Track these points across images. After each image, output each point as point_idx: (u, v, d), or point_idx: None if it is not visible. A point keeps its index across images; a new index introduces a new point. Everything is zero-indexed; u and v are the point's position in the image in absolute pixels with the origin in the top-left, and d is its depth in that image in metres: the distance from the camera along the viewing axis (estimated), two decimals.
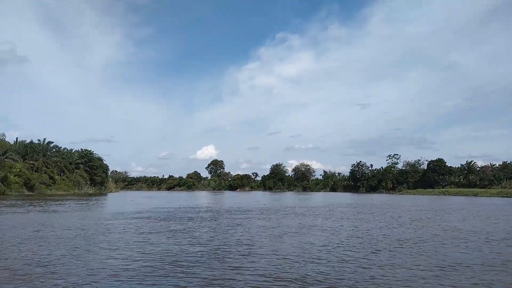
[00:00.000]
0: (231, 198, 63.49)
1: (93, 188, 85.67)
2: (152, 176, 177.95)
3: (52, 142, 79.39)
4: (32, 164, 72.10)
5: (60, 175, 77.88)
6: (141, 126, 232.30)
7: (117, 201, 49.08)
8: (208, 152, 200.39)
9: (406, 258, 11.31)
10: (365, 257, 11.35)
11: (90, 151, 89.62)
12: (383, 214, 28.62)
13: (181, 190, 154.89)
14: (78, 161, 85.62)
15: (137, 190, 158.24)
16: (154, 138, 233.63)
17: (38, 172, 72.57)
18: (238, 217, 24.26)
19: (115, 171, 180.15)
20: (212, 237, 15.57)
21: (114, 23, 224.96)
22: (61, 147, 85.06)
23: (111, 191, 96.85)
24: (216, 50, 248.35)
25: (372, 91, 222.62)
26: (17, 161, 68.07)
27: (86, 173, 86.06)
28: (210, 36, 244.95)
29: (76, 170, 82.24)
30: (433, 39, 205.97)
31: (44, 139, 77.75)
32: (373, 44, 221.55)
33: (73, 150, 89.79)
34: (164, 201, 50.58)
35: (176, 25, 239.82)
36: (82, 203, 38.53)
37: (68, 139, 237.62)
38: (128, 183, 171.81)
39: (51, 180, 72.52)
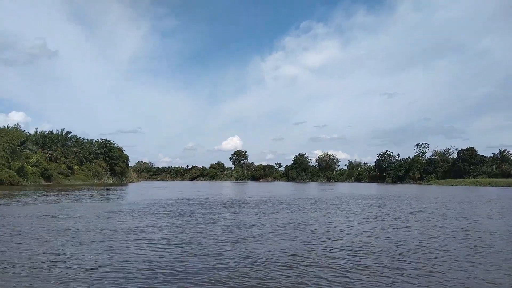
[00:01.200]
0: (250, 189, 60.35)
1: (113, 178, 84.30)
2: (176, 166, 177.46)
3: (70, 132, 78.36)
4: (50, 154, 70.90)
5: (79, 165, 76.60)
6: (167, 117, 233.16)
7: (134, 191, 46.55)
8: (233, 143, 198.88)
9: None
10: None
11: (109, 141, 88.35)
12: (411, 209, 24.72)
13: (204, 180, 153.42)
14: (97, 151, 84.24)
15: (162, 180, 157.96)
16: (180, 129, 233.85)
17: (56, 162, 71.44)
18: (259, 211, 21.05)
19: (141, 161, 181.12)
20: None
21: (140, 16, 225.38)
22: (80, 137, 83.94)
23: (132, 181, 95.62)
24: (240, 41, 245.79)
25: (400, 80, 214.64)
26: (35, 152, 66.87)
27: (106, 163, 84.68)
28: (234, 27, 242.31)
29: (95, 160, 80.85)
30: (464, 26, 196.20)
31: (63, 129, 76.75)
32: (401, 32, 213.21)
33: (93, 141, 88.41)
34: (181, 191, 47.84)
35: (201, 17, 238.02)
36: (93, 194, 36.23)
37: (97, 131, 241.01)
38: (153, 173, 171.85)
39: (69, 170, 71.22)
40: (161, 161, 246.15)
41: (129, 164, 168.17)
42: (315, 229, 14.45)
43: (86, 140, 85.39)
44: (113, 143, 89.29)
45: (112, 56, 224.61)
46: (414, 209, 23.40)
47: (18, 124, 62.12)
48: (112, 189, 50.90)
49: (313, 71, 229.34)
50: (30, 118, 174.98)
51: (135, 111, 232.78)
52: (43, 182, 63.32)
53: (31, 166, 62.87)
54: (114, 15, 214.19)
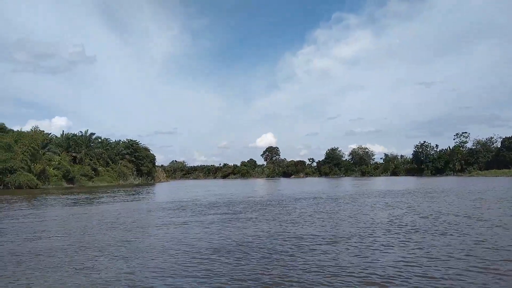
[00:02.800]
0: (277, 185, 55.86)
1: (140, 178, 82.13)
2: (208, 165, 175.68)
3: (94, 134, 76.50)
4: (74, 156, 69.19)
5: (104, 167, 74.69)
6: (202, 116, 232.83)
7: (159, 191, 43.14)
8: (267, 140, 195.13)
9: None
10: None
11: (135, 141, 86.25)
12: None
13: (235, 178, 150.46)
14: (123, 151, 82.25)
15: (194, 179, 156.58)
16: (214, 128, 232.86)
17: (81, 164, 69.67)
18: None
19: (175, 161, 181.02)
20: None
21: (171, 16, 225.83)
22: (106, 138, 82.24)
23: (159, 181, 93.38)
24: (271, 36, 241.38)
25: (437, 68, 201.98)
26: (58, 154, 65.25)
27: (132, 163, 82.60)
28: (264, 23, 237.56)
29: (120, 161, 78.82)
30: (503, 6, 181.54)
31: (87, 130, 74.99)
32: (437, 18, 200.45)
33: (120, 141, 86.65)
34: (207, 189, 44.11)
35: (230, 14, 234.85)
36: (115, 195, 33.09)
37: (135, 132, 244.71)
38: (186, 172, 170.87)
39: (93, 172, 69.19)
40: (197, 160, 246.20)
41: (160, 164, 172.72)
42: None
43: (112, 141, 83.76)
44: (139, 143, 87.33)
45: (146, 58, 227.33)
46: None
47: (36, 127, 60.60)
48: (133, 190, 47.78)
49: (345, 63, 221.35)
50: (72, 122, 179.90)
51: (171, 112, 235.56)
52: (65, 185, 61.46)
53: (53, 169, 61.17)
54: (145, 17, 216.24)
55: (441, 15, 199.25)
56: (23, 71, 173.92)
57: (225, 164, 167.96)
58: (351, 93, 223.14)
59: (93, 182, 68.05)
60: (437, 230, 11.89)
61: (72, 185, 62.39)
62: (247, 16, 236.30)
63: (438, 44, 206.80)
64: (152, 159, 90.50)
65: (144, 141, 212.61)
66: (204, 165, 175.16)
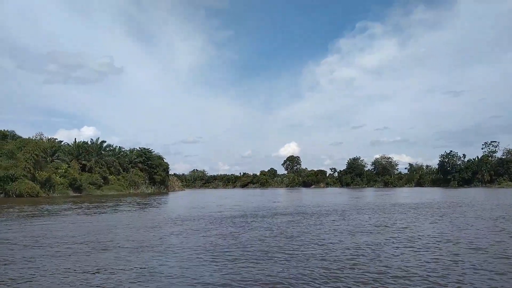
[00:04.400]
0: (291, 198, 52.09)
1: (152, 187, 79.83)
2: (228, 174, 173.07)
3: (105, 142, 74.90)
4: (83, 164, 67.59)
5: (116, 175, 72.84)
6: (226, 126, 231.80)
7: (170, 202, 40.26)
8: (291, 149, 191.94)
9: None
10: None
11: (148, 149, 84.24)
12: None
13: (255, 187, 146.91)
14: (136, 160, 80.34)
15: (214, 188, 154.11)
16: (238, 137, 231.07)
17: (91, 172, 67.97)
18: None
19: (196, 170, 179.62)
20: None
21: (196, 28, 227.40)
22: (118, 146, 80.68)
23: (173, 190, 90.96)
24: (294, 46, 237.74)
25: (465, 76, 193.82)
26: (67, 162, 63.74)
27: (145, 172, 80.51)
28: (288, 33, 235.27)
29: (132, 170, 76.84)
30: None
31: (98, 138, 73.63)
32: (464, 25, 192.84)
33: (134, 150, 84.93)
34: (219, 202, 40.97)
35: (254, 25, 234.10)
36: (116, 204, 30.44)
37: (161, 142, 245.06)
38: (206, 181, 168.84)
39: (102, 181, 67.29)
40: (221, 169, 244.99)
41: (181, 173, 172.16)
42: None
43: (124, 150, 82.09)
44: (152, 151, 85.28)
45: (171, 69, 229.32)
46: None
47: (41, 133, 59.54)
48: (138, 200, 45.14)
49: (370, 72, 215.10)
50: (100, 132, 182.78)
51: (196, 122, 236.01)
52: (72, 193, 59.66)
53: (59, 177, 59.56)
54: (171, 29, 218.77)
55: (468, 22, 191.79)
56: (54, 81, 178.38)
57: (244, 173, 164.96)
58: (376, 102, 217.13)
59: (102, 190, 66.15)
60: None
61: (79, 194, 60.57)
62: (270, 27, 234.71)
63: (465, 52, 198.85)
64: (166, 167, 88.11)
65: (169, 150, 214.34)
66: (223, 174, 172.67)
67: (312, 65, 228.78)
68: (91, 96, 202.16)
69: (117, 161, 74.05)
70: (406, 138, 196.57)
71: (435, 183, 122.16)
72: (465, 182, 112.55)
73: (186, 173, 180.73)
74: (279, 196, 54.99)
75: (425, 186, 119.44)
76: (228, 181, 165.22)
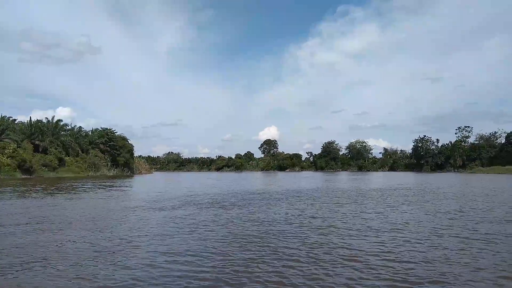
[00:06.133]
0: (254, 183, 48.71)
1: (115, 170, 75.29)
2: (203, 157, 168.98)
3: (62, 121, 69.37)
4: (37, 144, 62.64)
5: (74, 157, 68.10)
6: (206, 109, 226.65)
7: (117, 186, 36.17)
8: (271, 133, 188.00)
9: None
10: None
11: (111, 129, 79.15)
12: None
13: (230, 170, 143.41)
14: (98, 140, 75.46)
15: (188, 171, 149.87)
16: (219, 121, 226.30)
17: (46, 153, 63.11)
18: None
19: (171, 152, 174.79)
20: None
21: (176, 9, 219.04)
22: (76, 126, 75.42)
23: (140, 173, 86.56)
24: (276, 29, 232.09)
25: (445, 63, 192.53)
26: (16, 142, 58.69)
27: (107, 153, 75.87)
28: (269, 15, 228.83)
29: (91, 151, 72.08)
30: None
31: (53, 117, 68.04)
32: (445, 13, 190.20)
33: (97, 130, 79.89)
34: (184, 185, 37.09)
35: (236, 7, 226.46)
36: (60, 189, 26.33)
37: (140, 124, 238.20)
38: (180, 164, 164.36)
39: (58, 162, 62.58)
40: (201, 153, 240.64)
41: (147, 155, 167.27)
42: None
43: (84, 130, 76.94)
44: (115, 131, 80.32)
45: (151, 50, 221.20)
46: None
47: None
48: (90, 183, 40.90)
49: (351, 57, 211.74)
50: (76, 113, 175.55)
51: (176, 104, 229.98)
52: (21, 175, 54.92)
53: (7, 158, 54.65)
54: (151, 9, 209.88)
55: (449, 10, 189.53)
56: (29, 61, 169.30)
57: (219, 157, 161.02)
58: (356, 87, 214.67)
59: (56, 173, 61.52)
60: None
61: (29, 176, 55.85)
62: (252, 9, 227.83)
63: (446, 39, 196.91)
64: (130, 149, 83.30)
65: (148, 132, 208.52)
66: (199, 158, 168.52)
67: (294, 48, 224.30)
68: (67, 76, 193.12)
69: (74, 141, 69.15)
70: (384, 123, 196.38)
71: (408, 167, 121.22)
72: (438, 167, 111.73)
73: (158, 155, 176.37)
74: (242, 180, 51.58)
75: (398, 171, 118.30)
76: (203, 164, 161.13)
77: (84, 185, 36.16)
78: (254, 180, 53.94)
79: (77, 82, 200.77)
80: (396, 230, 10.69)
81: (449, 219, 12.81)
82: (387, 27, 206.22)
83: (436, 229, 10.84)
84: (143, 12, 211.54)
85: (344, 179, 54.55)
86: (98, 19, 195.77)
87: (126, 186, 36.02)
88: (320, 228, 11.00)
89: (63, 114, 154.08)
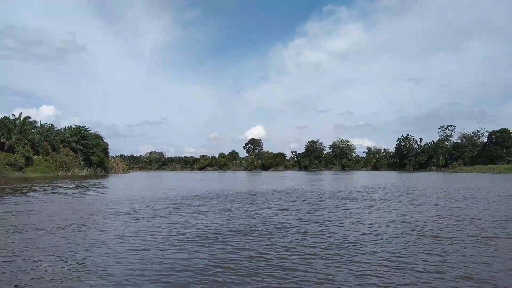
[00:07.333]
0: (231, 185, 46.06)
1: (88, 169, 71.83)
2: (187, 156, 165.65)
3: (30, 117, 65.57)
4: (2, 142, 59.10)
5: (43, 156, 64.60)
6: (192, 107, 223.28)
7: (84, 186, 33.08)
8: (257, 132, 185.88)
9: None
10: None
11: (84, 127, 75.49)
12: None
13: (213, 170, 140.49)
14: (70, 139, 71.90)
15: (171, 170, 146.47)
16: (205, 120, 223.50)
17: (14, 152, 59.58)
18: None
19: (154, 151, 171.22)
20: None
21: (161, 7, 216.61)
22: (46, 123, 71.55)
23: (115, 173, 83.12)
24: (262, 28, 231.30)
25: (428, 64, 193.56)
26: None
27: (80, 152, 72.38)
28: (256, 14, 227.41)
29: (62, 149, 68.58)
30: (496, 5, 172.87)
31: (20, 113, 64.27)
32: (428, 14, 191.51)
33: (70, 128, 76.19)
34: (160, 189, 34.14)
35: (222, 6, 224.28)
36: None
37: (125, 122, 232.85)
38: (162, 163, 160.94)
39: (24, 161, 59.08)
40: (186, 152, 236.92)
41: (129, 154, 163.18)
42: None
43: (55, 128, 73.02)
44: (89, 129, 76.69)
45: (136, 48, 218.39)
46: None
47: None
48: (55, 185, 37.71)
49: (337, 57, 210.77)
50: (60, 112, 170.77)
51: (160, 102, 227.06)
52: None
53: None
54: (136, 7, 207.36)
55: (433, 11, 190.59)
56: (11, 57, 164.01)
57: (202, 156, 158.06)
58: (341, 86, 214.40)
59: (22, 172, 58.01)
60: None
61: None
62: (238, 9, 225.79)
63: (430, 40, 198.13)
64: (105, 148, 79.69)
65: (133, 131, 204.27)
66: (182, 157, 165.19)
67: (280, 47, 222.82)
68: (51, 74, 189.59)
69: (44, 140, 65.62)
70: (369, 122, 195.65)
71: (391, 166, 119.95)
72: (421, 166, 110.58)
73: (141, 155, 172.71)
74: (208, 181, 48.94)
75: (382, 170, 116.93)
76: (186, 163, 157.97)
77: (41, 186, 33.04)
78: (218, 180, 51.34)
79: (61, 80, 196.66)
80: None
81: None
82: (371, 27, 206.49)
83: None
84: (128, 10, 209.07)
85: (307, 178, 52.31)
86: (82, 16, 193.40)
87: (77, 188, 32.98)
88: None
89: (46, 112, 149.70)
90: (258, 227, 10.87)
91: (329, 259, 7.24)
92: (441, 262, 6.99)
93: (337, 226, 10.99)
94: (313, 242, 8.74)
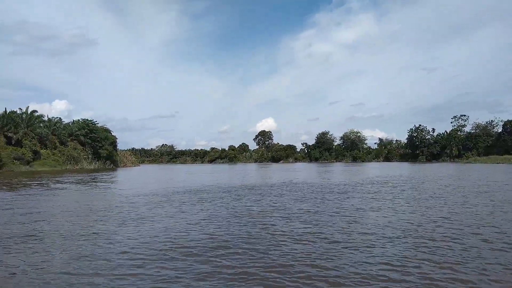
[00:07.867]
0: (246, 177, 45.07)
1: (96, 163, 71.58)
2: (197, 149, 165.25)
3: (36, 111, 65.31)
4: (10, 137, 58.97)
5: (51, 150, 64.44)
6: (202, 100, 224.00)
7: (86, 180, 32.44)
8: (267, 124, 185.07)
9: None
10: None
11: (92, 121, 75.23)
12: None
13: (223, 162, 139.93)
14: (77, 132, 71.65)
15: (182, 163, 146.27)
16: (215, 112, 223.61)
17: (21, 146, 59.47)
18: None
19: (165, 144, 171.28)
20: None
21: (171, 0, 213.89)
22: (54, 117, 71.40)
23: (124, 166, 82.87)
24: (271, 20, 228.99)
25: (440, 53, 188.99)
26: None
27: (88, 146, 72.14)
28: (264, 6, 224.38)
29: (69, 143, 68.36)
30: None
31: (27, 107, 64.07)
32: (440, 2, 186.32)
33: (78, 121, 75.96)
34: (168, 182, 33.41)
35: None
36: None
37: (136, 116, 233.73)
38: (173, 156, 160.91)
39: (32, 155, 58.92)
40: (197, 145, 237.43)
41: (140, 147, 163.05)
42: None
43: (63, 122, 72.84)
44: (97, 123, 76.40)
45: (145, 42, 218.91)
46: None
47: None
48: (59, 179, 37.14)
49: (347, 48, 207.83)
50: (72, 106, 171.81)
51: (171, 96, 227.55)
52: None
53: None
54: (145, 0, 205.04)
55: (444, 0, 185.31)
56: (23, 53, 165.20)
57: (212, 148, 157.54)
58: (352, 78, 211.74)
59: (30, 166, 57.87)
60: None
61: None
62: (246, 1, 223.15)
63: (442, 29, 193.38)
64: (113, 141, 79.31)
65: (145, 124, 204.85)
66: (192, 150, 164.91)
67: (289, 39, 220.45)
68: (63, 69, 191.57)
69: (51, 133, 65.42)
70: (381, 113, 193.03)
71: (403, 157, 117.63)
72: (434, 157, 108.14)
73: (152, 148, 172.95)
74: (217, 173, 47.95)
75: (393, 161, 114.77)
76: (197, 156, 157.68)
77: (49, 180, 32.40)
78: (223, 173, 50.31)
79: (73, 75, 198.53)
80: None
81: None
82: (382, 17, 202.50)
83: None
84: (137, 4, 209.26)
85: (317, 170, 50.88)
86: (92, 10, 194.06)
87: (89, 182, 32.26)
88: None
89: (59, 107, 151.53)
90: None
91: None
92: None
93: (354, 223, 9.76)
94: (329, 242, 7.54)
